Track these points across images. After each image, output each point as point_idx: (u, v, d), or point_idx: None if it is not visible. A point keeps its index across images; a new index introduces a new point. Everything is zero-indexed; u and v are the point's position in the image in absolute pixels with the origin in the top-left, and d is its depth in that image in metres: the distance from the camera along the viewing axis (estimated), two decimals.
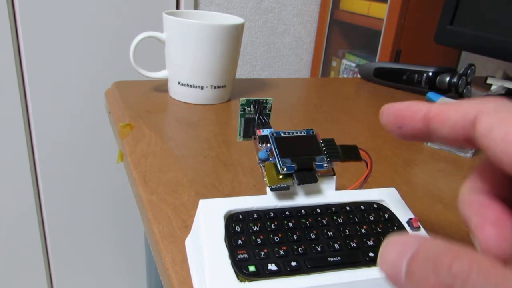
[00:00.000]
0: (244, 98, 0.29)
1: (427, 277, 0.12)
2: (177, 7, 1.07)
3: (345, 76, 1.17)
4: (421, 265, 0.13)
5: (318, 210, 0.25)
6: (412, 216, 0.26)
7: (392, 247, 0.14)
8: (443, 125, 0.16)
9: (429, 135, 0.17)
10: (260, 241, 0.22)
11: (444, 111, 0.16)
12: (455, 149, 0.45)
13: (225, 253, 0.21)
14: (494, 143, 0.14)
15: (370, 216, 0.25)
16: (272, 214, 0.24)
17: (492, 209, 0.16)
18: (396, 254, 0.13)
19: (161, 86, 0.57)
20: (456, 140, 0.16)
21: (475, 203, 0.16)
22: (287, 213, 0.24)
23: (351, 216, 0.25)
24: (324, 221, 0.24)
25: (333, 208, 0.25)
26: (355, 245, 0.23)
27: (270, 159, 0.25)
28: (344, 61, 1.18)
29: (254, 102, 0.29)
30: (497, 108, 0.14)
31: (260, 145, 0.26)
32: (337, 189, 0.26)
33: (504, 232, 0.15)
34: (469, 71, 0.61)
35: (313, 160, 0.25)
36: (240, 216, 0.23)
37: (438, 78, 0.62)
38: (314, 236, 0.23)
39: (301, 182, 0.24)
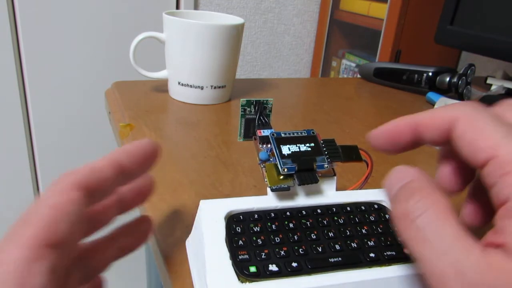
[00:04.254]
0: (245, 99, 0.29)
1: (401, 201, 0.18)
2: (177, 7, 1.07)
3: (345, 76, 1.17)
4: (403, 193, 0.18)
5: (319, 211, 0.25)
6: None
7: (395, 173, 0.19)
8: (430, 131, 0.20)
9: (418, 143, 0.21)
10: (260, 242, 0.22)
11: (430, 120, 0.20)
12: None
13: (226, 253, 0.21)
14: (463, 145, 0.18)
15: (370, 217, 0.25)
16: (272, 214, 0.24)
17: (451, 164, 0.21)
18: (396, 179, 0.19)
19: (161, 86, 0.57)
20: (442, 141, 0.20)
21: (444, 158, 0.22)
22: (288, 213, 0.24)
23: (351, 216, 0.25)
24: (325, 222, 0.24)
25: (334, 209, 0.25)
26: (355, 245, 0.23)
27: (271, 159, 0.25)
28: (344, 61, 1.18)
29: (254, 102, 0.29)
30: (470, 115, 0.18)
31: (260, 146, 0.26)
32: (337, 189, 0.26)
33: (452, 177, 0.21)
34: (469, 71, 0.61)
35: (313, 161, 0.25)
36: (241, 216, 0.23)
37: (438, 78, 0.62)
38: (314, 237, 0.23)
39: (302, 182, 0.24)
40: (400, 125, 0.21)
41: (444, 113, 0.19)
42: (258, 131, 0.27)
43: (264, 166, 0.25)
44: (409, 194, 0.18)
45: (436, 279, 0.15)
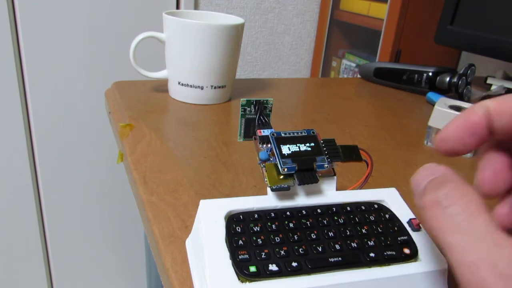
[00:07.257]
0: (245, 99, 0.29)
1: (431, 191, 0.17)
2: (177, 7, 1.07)
3: (345, 76, 1.17)
4: (433, 185, 0.18)
5: (319, 211, 0.24)
6: (413, 216, 0.26)
7: (424, 170, 0.19)
8: (503, 115, 0.18)
9: (489, 136, 0.19)
10: (261, 242, 0.22)
11: (500, 105, 0.18)
12: None
13: (226, 253, 0.21)
14: None
15: (370, 217, 0.25)
16: (272, 214, 0.24)
17: (496, 161, 0.19)
18: (424, 176, 0.19)
19: (161, 86, 0.57)
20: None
21: (487, 153, 0.20)
22: (288, 213, 0.24)
23: (351, 216, 0.25)
24: (325, 222, 0.24)
25: (334, 209, 0.25)
26: (355, 245, 0.23)
27: (271, 159, 0.25)
28: (344, 61, 1.18)
29: (254, 102, 0.29)
30: None
31: (260, 146, 0.26)
32: (337, 189, 0.26)
33: (497, 178, 0.19)
34: (469, 71, 0.61)
35: (313, 161, 0.25)
36: (241, 216, 0.23)
37: (438, 78, 0.62)
38: (314, 237, 0.23)
39: (302, 182, 0.24)
40: (471, 116, 0.19)
41: None
42: (258, 131, 0.27)
43: (264, 166, 0.25)
44: (439, 185, 0.17)
45: (466, 268, 0.15)
